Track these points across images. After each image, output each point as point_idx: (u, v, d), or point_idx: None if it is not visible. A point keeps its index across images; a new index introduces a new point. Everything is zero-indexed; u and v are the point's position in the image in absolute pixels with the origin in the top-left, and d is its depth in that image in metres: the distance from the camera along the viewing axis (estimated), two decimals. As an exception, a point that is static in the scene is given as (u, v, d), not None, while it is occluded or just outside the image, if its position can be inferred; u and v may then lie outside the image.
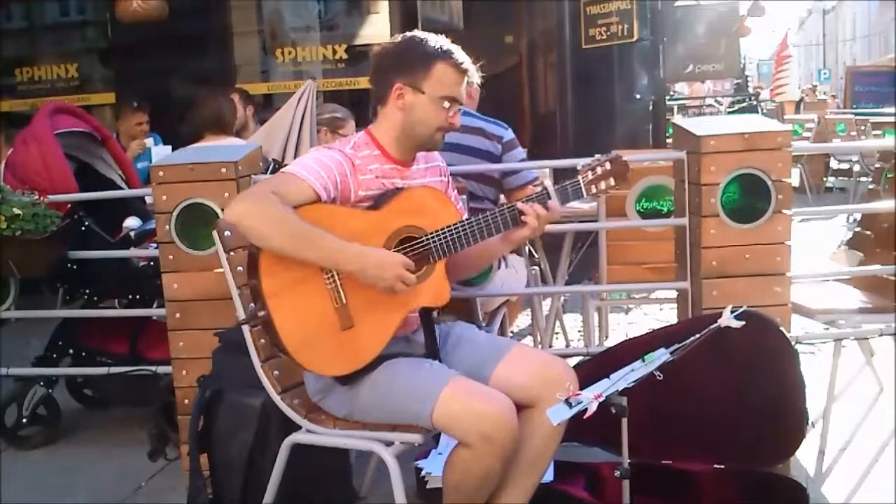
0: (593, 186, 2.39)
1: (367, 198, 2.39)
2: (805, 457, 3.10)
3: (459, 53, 2.44)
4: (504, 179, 3.46)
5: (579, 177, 2.38)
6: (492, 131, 3.39)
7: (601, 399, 1.97)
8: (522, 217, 2.37)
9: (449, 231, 2.36)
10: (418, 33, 2.48)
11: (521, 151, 3.43)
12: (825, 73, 34.00)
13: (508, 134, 3.42)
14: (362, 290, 2.26)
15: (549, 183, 2.43)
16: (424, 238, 2.36)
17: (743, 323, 2.16)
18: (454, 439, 2.24)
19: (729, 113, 15.88)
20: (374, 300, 2.28)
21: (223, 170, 3.08)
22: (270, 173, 3.52)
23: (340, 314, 2.28)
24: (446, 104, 2.41)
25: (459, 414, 2.18)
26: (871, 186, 3.87)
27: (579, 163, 2.41)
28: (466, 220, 2.38)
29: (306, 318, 2.27)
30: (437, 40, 2.43)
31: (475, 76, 2.49)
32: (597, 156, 2.41)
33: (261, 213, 2.19)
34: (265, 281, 2.24)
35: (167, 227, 3.11)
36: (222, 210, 3.06)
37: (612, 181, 2.39)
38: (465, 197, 3.11)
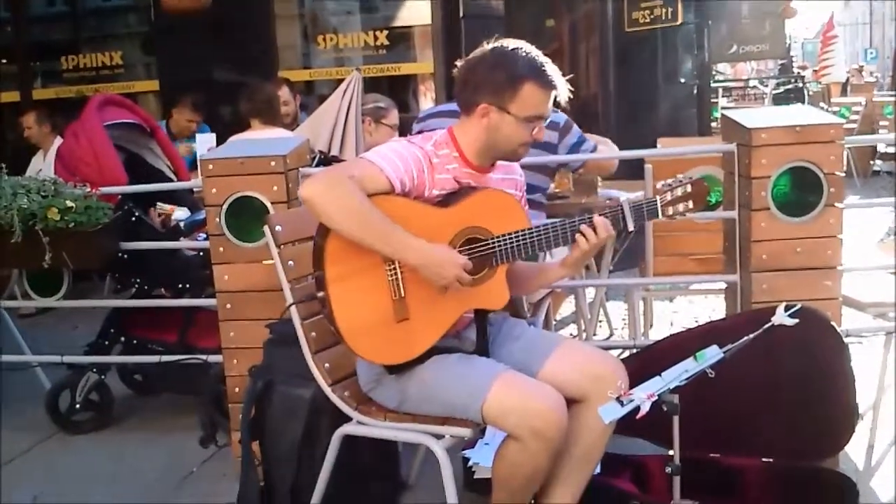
0: (670, 208, 2.36)
1: (440, 195, 2.38)
2: (854, 451, 3.08)
3: (548, 70, 2.36)
4: (559, 170, 3.46)
5: (657, 197, 2.35)
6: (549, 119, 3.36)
7: (654, 398, 1.97)
8: (579, 235, 2.35)
9: (515, 237, 2.35)
10: (508, 48, 2.38)
11: (577, 129, 3.39)
12: (871, 53, 33.30)
13: (561, 117, 3.38)
14: (422, 285, 2.28)
15: (625, 199, 2.39)
16: (490, 241, 2.35)
17: (797, 321, 2.14)
18: (504, 433, 2.25)
19: (775, 95, 15.65)
20: (431, 296, 2.30)
21: (272, 163, 3.11)
22: (316, 165, 3.54)
23: (397, 306, 2.29)
24: (532, 124, 2.37)
25: (510, 408, 2.19)
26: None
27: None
28: (535, 227, 2.36)
29: (363, 306, 2.29)
30: (526, 57, 2.35)
31: (564, 91, 2.42)
32: (678, 176, 2.37)
33: (335, 195, 2.19)
34: (329, 266, 2.26)
35: (217, 219, 3.16)
36: (272, 204, 3.10)
37: (690, 204, 2.35)
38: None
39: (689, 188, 2.34)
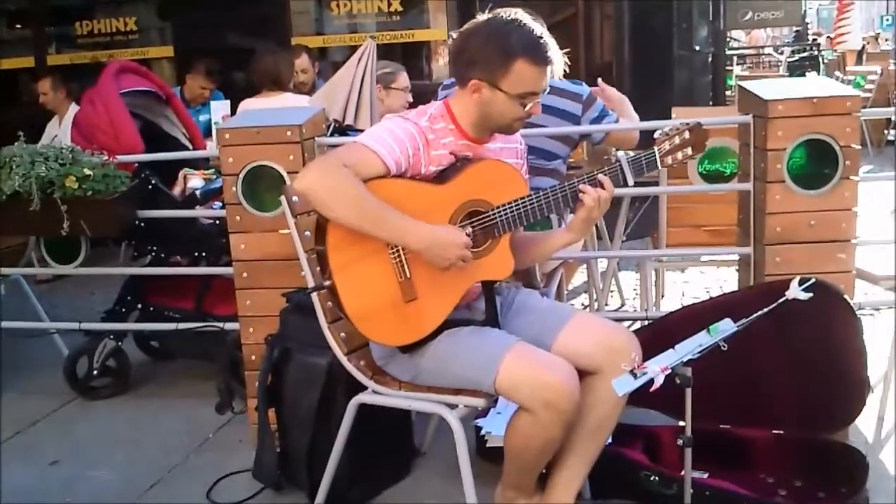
0: (669, 158, 2.35)
1: (437, 171, 2.39)
2: (864, 423, 3.10)
3: (543, 46, 2.32)
4: (588, 137, 3.46)
5: (655, 147, 2.34)
6: (570, 90, 3.34)
7: (668, 371, 1.99)
8: (581, 195, 2.33)
9: (515, 205, 2.35)
10: (502, 22, 2.34)
11: (600, 103, 3.39)
12: (888, 20, 32.80)
13: (585, 89, 3.37)
14: (426, 264, 2.29)
15: (622, 155, 2.38)
16: (490, 213, 2.36)
17: (811, 295, 2.14)
18: (516, 404, 2.28)
19: (789, 64, 15.49)
20: (437, 274, 2.31)
21: (288, 133, 3.12)
22: (331, 134, 3.55)
23: (404, 287, 2.31)
24: (525, 100, 2.35)
25: (522, 381, 2.21)
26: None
27: (657, 130, 2.37)
28: (534, 194, 2.36)
29: (370, 290, 2.30)
30: (520, 32, 2.31)
31: (560, 66, 2.40)
32: (677, 122, 2.37)
33: (330, 186, 2.19)
34: (332, 255, 2.28)
35: (234, 188, 3.17)
36: (288, 173, 3.11)
37: (689, 151, 2.35)
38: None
39: (686, 135, 2.34)
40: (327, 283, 2.30)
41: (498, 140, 2.52)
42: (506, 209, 2.35)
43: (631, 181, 2.36)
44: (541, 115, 3.28)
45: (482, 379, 2.27)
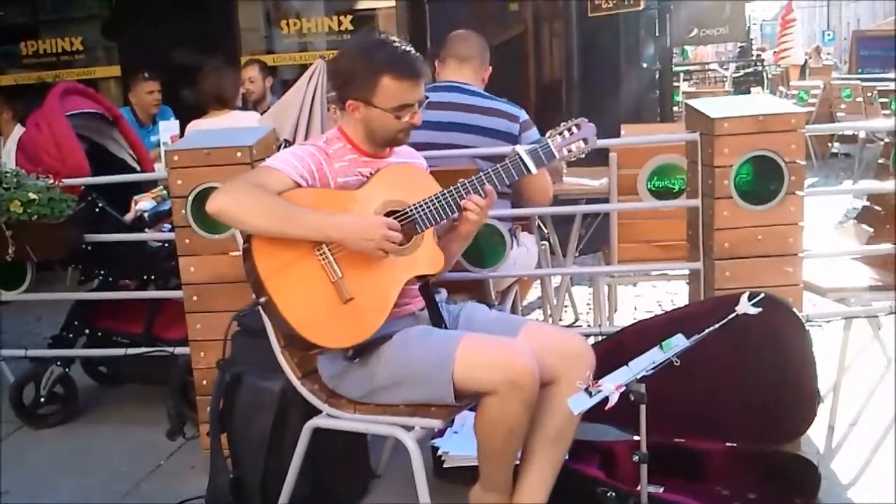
0: (564, 149, 2.48)
1: (345, 184, 2.47)
2: (815, 433, 3.14)
3: (408, 60, 2.45)
4: None
5: (548, 140, 2.47)
6: (508, 111, 3.38)
7: (622, 389, 2.00)
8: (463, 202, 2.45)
9: (431, 201, 2.43)
10: (366, 41, 2.52)
11: (536, 132, 3.44)
12: (829, 35, 33.66)
13: (524, 114, 3.42)
14: (357, 262, 2.33)
15: (521, 148, 2.50)
16: (408, 209, 2.43)
17: (760, 310, 2.18)
18: (480, 392, 2.26)
19: (735, 79, 15.80)
20: (369, 271, 2.35)
21: (238, 154, 3.10)
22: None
23: (339, 288, 2.33)
24: (400, 113, 2.46)
25: (478, 365, 2.23)
26: (881, 161, 3.85)
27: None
28: (447, 189, 2.46)
29: (307, 295, 2.32)
30: (385, 49, 2.45)
31: (427, 75, 2.53)
32: (563, 122, 2.51)
33: (238, 199, 2.29)
34: (260, 265, 2.30)
35: (183, 211, 3.14)
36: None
37: (582, 144, 2.48)
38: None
39: (575, 129, 2.49)
40: (262, 299, 2.30)
41: (400, 155, 2.63)
42: (422, 205, 2.43)
43: (534, 170, 2.47)
44: (474, 137, 3.33)
45: (440, 376, 2.26)
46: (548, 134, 2.50)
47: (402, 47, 2.47)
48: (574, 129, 2.48)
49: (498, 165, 2.47)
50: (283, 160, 2.40)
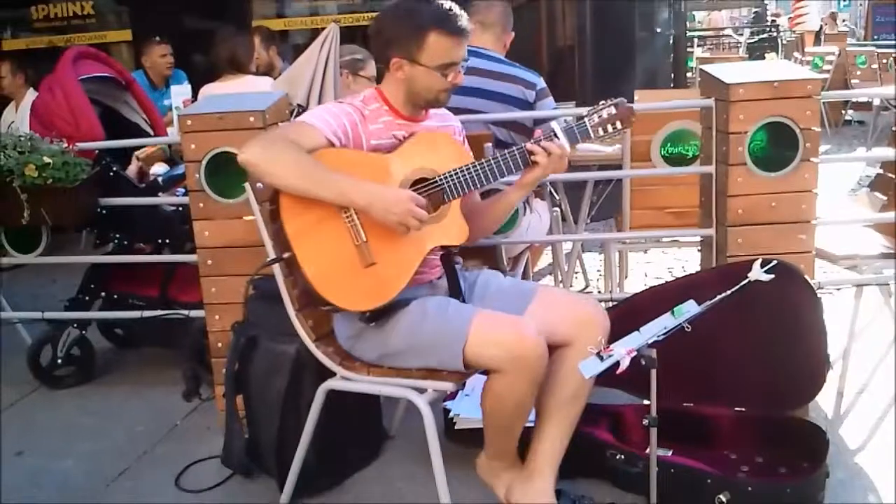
0: (600, 129, 2.44)
1: (378, 147, 2.46)
2: (824, 399, 3.16)
3: (454, 17, 2.42)
4: (535, 128, 3.46)
5: (585, 119, 2.44)
6: (525, 78, 3.37)
7: (633, 354, 2.02)
8: (533, 157, 2.42)
9: (461, 171, 2.42)
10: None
11: (552, 101, 3.43)
12: (845, 1, 33.20)
13: (541, 82, 3.40)
14: (382, 228, 2.32)
15: (556, 125, 2.47)
16: (438, 179, 2.43)
17: (772, 277, 2.19)
18: (488, 369, 2.30)
19: (749, 45, 15.65)
20: (393, 239, 2.35)
21: (251, 118, 3.10)
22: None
23: (361, 251, 2.34)
24: (446, 71, 2.44)
25: (488, 343, 2.25)
26: (895, 128, 3.83)
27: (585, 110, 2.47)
28: (479, 161, 2.44)
29: (329, 255, 2.33)
30: (431, 5, 2.41)
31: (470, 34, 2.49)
32: (602, 101, 2.46)
33: (272, 154, 2.27)
34: (287, 223, 2.31)
35: (197, 175, 3.15)
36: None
37: (618, 125, 2.44)
38: (489, 145, 3.12)
39: (613, 109, 2.44)
40: (286, 254, 2.33)
41: (434, 119, 2.61)
42: (452, 175, 2.42)
43: (568, 148, 2.44)
44: (488, 103, 3.32)
45: (452, 351, 2.29)
46: (585, 112, 2.45)
47: (448, 3, 2.44)
48: (613, 109, 2.44)
49: (533, 140, 2.43)
50: (319, 117, 2.39)
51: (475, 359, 2.29)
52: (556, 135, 2.42)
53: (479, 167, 2.42)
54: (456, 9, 2.44)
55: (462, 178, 2.42)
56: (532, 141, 2.43)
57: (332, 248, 2.33)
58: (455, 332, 2.29)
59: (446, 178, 2.42)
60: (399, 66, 2.45)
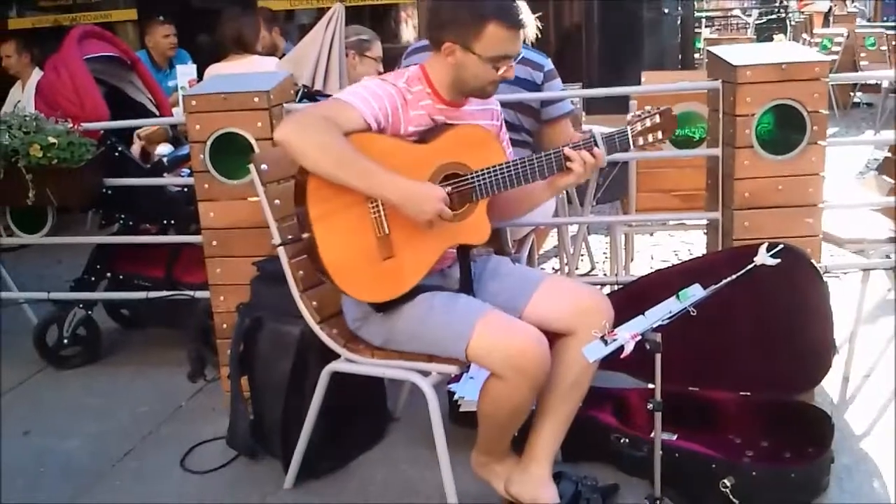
0: (641, 139, 2.38)
1: (416, 132, 2.40)
2: (829, 384, 3.16)
3: (515, 10, 2.36)
4: (542, 109, 3.44)
5: (627, 127, 2.37)
6: (532, 59, 3.34)
7: (638, 338, 2.01)
8: (568, 163, 2.36)
9: (494, 171, 2.36)
10: None
11: (560, 83, 3.40)
12: (856, -18, 32.85)
13: (549, 63, 3.37)
14: (405, 222, 2.29)
15: (597, 130, 2.41)
16: (469, 176, 2.37)
17: (779, 261, 2.17)
18: (488, 371, 2.30)
19: (757, 26, 15.54)
20: (415, 233, 2.31)
21: (256, 99, 3.09)
22: (300, 100, 3.51)
23: (382, 244, 2.31)
24: (499, 64, 2.37)
25: (492, 347, 2.23)
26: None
27: (628, 115, 2.41)
28: (512, 161, 2.38)
29: (349, 244, 2.30)
30: None
31: (532, 30, 2.44)
32: (647, 107, 2.40)
33: (309, 135, 2.21)
34: (312, 205, 2.26)
35: (201, 156, 3.14)
36: (256, 140, 3.09)
37: (659, 134, 2.38)
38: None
39: (657, 119, 2.37)
40: (305, 235, 2.28)
41: (474, 102, 2.54)
42: (485, 174, 2.37)
43: (605, 158, 2.39)
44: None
45: (455, 347, 2.28)
46: (627, 119, 2.39)
47: None
48: (657, 118, 2.37)
49: (571, 145, 2.37)
50: (360, 97, 2.30)
51: (476, 359, 2.29)
52: (595, 143, 2.36)
53: (511, 168, 2.36)
54: (518, 1, 2.39)
55: (493, 179, 2.36)
56: (570, 145, 2.37)
57: (352, 237, 2.29)
58: (459, 331, 2.27)
59: (477, 176, 2.37)
60: (451, 51, 2.37)
